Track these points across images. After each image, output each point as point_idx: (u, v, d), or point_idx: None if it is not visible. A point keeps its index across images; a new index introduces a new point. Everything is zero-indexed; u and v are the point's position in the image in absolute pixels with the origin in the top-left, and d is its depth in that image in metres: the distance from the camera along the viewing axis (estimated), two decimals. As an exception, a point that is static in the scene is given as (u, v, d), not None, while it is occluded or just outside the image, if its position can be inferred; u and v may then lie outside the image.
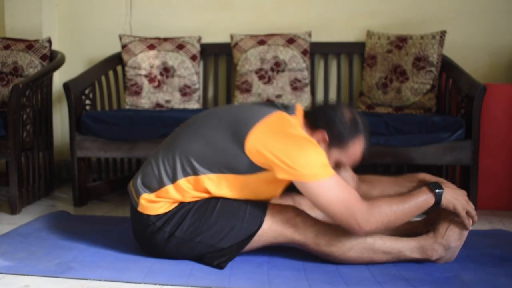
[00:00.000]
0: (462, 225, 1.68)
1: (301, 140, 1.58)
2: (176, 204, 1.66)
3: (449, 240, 1.68)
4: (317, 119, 1.70)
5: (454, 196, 1.64)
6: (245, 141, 1.58)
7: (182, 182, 1.64)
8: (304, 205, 1.87)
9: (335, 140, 1.67)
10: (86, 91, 2.64)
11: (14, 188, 2.40)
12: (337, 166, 1.71)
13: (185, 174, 1.64)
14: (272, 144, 1.56)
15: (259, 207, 1.66)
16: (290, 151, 1.55)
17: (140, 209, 1.68)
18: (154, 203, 1.66)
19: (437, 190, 1.62)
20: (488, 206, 2.53)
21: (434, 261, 1.70)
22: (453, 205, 1.64)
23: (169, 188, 1.65)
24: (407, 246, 1.67)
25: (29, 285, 1.53)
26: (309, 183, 1.55)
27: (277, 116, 1.63)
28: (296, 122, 1.67)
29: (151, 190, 1.67)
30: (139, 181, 1.71)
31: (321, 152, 1.59)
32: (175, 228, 1.65)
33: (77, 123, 2.50)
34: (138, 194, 1.69)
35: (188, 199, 1.66)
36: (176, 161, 1.65)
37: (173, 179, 1.64)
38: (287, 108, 1.71)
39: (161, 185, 1.65)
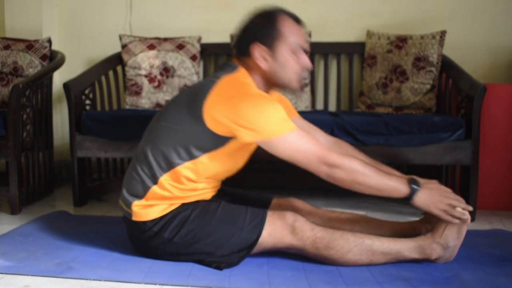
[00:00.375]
0: (460, 224, 1.67)
1: (255, 99, 1.57)
2: (172, 208, 1.67)
3: (447, 239, 1.68)
4: (241, 45, 1.70)
5: (429, 199, 1.62)
6: (202, 115, 1.58)
7: (164, 178, 1.64)
8: (302, 210, 1.87)
9: (268, 38, 1.65)
10: (86, 91, 2.64)
11: (14, 188, 2.40)
12: (297, 53, 1.66)
13: (163, 170, 1.64)
14: (227, 111, 1.56)
15: (258, 216, 1.66)
16: (247, 113, 1.54)
17: (134, 218, 1.67)
18: (148, 208, 1.66)
19: (413, 186, 1.61)
20: (488, 206, 2.53)
21: (433, 260, 1.70)
22: (428, 207, 1.63)
23: (155, 189, 1.65)
24: (406, 247, 1.67)
25: (29, 285, 1.53)
26: (273, 140, 1.56)
27: (226, 80, 1.62)
28: (243, 76, 1.66)
29: (139, 196, 1.67)
30: (125, 193, 1.71)
31: (278, 107, 1.58)
32: (174, 234, 1.65)
33: (77, 123, 2.50)
34: (129, 204, 1.69)
35: (178, 193, 1.66)
36: (150, 160, 1.65)
37: (154, 179, 1.65)
38: (232, 67, 1.69)
39: (146, 188, 1.66)
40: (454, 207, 1.63)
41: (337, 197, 2.79)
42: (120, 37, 2.93)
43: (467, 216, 1.66)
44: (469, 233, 1.99)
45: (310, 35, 2.89)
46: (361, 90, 2.89)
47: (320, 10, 3.03)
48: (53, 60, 2.80)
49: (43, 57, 2.79)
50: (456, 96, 2.51)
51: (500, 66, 2.90)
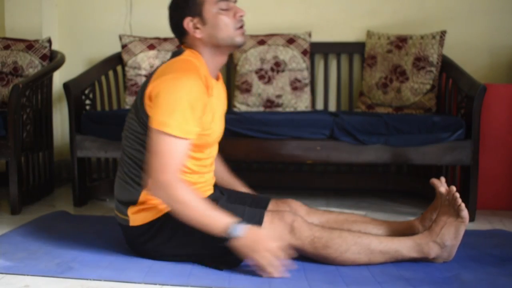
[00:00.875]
0: (457, 224, 1.68)
1: (179, 89, 1.53)
2: (168, 209, 1.66)
3: (444, 238, 1.68)
4: (176, 29, 1.71)
5: (249, 250, 1.54)
6: (145, 107, 1.61)
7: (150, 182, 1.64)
8: (300, 211, 1.87)
9: (193, 9, 1.64)
10: (86, 91, 2.64)
11: (14, 188, 2.39)
12: (224, 7, 1.63)
13: (146, 172, 1.64)
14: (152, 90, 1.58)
15: (255, 216, 1.66)
16: (162, 104, 1.53)
17: (132, 223, 1.68)
18: (144, 211, 1.66)
19: (230, 233, 1.53)
20: (488, 206, 2.53)
21: (432, 260, 1.70)
22: (245, 254, 1.56)
23: (146, 192, 1.65)
24: (404, 245, 1.68)
25: (29, 285, 1.53)
26: (155, 128, 1.53)
27: (167, 64, 1.63)
28: (189, 55, 1.66)
29: (133, 202, 1.67)
30: (119, 203, 1.72)
31: (187, 113, 1.53)
32: (171, 235, 1.65)
33: (77, 123, 2.50)
34: (124, 212, 1.69)
35: None
36: (133, 166, 1.67)
37: (143, 182, 1.65)
38: (178, 52, 1.70)
39: (137, 193, 1.66)
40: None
41: (337, 197, 2.79)
42: (120, 37, 2.93)
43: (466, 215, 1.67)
44: (469, 233, 1.99)
45: (310, 35, 2.89)
46: (361, 90, 2.89)
47: (320, 10, 3.03)
48: (53, 60, 2.80)
49: (43, 57, 2.79)
50: (456, 96, 2.51)
51: (500, 66, 2.90)
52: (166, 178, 1.53)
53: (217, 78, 1.76)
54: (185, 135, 1.55)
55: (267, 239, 1.56)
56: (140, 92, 1.65)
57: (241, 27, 1.66)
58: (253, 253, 1.55)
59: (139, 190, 1.66)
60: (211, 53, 1.69)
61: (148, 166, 1.56)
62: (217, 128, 1.74)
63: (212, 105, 1.66)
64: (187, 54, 1.68)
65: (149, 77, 1.66)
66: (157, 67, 1.67)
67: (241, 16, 1.66)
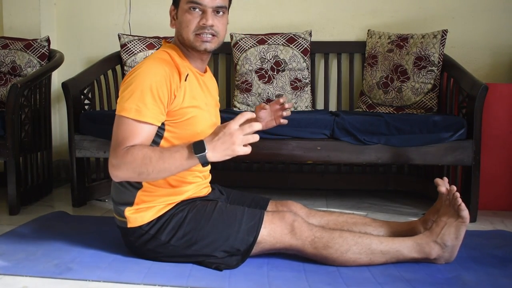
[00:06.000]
0: (458, 225, 1.67)
1: (140, 78, 1.55)
2: (167, 209, 1.66)
3: (444, 238, 1.67)
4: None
5: (221, 151, 1.42)
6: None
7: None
8: (300, 213, 1.86)
9: None
10: (85, 91, 2.63)
11: (13, 188, 2.38)
12: (192, 9, 1.59)
13: None
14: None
15: (255, 217, 1.65)
16: (123, 94, 1.57)
17: (130, 224, 1.67)
18: (142, 212, 1.65)
19: (198, 155, 1.43)
20: (489, 207, 2.52)
21: (433, 260, 1.69)
22: (226, 157, 1.44)
23: (142, 191, 1.65)
24: (404, 245, 1.67)
25: (27, 286, 1.52)
26: (117, 114, 1.57)
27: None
28: (162, 50, 1.66)
29: (130, 203, 1.67)
30: (116, 205, 1.71)
31: (146, 97, 1.52)
32: (170, 236, 1.64)
33: (75, 123, 2.49)
34: (122, 213, 1.68)
35: (164, 191, 1.65)
36: None
37: (139, 184, 1.64)
38: (157, 48, 1.77)
39: (133, 194, 1.66)
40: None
41: (337, 197, 2.78)
42: (119, 37, 2.92)
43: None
44: (471, 233, 1.98)
45: (310, 34, 2.88)
46: (361, 90, 2.88)
47: (321, 9, 3.02)
48: (52, 59, 2.79)
49: (42, 57, 2.78)
50: (458, 95, 2.50)
51: (501, 65, 2.89)
52: (114, 159, 1.50)
53: (204, 71, 1.76)
54: (143, 118, 1.52)
55: (223, 130, 1.43)
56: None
57: (199, 34, 1.61)
58: (226, 153, 1.42)
59: (135, 192, 1.65)
60: (183, 47, 1.68)
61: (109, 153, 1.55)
62: (206, 119, 1.70)
63: (192, 91, 1.64)
64: (162, 47, 1.69)
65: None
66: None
67: (203, 24, 1.61)
